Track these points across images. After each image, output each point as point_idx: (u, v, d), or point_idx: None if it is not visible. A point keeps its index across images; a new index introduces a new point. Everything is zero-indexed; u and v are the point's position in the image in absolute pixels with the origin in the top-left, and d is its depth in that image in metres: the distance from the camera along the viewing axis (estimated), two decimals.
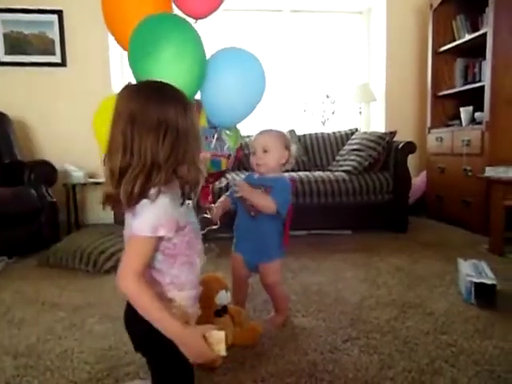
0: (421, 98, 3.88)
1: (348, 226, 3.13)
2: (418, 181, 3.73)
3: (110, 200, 0.88)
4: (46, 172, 2.81)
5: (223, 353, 0.86)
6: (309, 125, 4.01)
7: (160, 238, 0.86)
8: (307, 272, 2.22)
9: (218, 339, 0.86)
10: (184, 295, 0.93)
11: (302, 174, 3.04)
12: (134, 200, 0.84)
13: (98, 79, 3.47)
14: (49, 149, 3.47)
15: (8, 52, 3.45)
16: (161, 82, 0.92)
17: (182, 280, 0.92)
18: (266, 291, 1.63)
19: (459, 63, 3.48)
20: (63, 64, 3.49)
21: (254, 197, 1.44)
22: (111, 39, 3.54)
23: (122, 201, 0.85)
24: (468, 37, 3.18)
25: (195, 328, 0.89)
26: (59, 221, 2.86)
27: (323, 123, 4.09)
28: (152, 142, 0.84)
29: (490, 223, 2.53)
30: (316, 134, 3.62)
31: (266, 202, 1.42)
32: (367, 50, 4.19)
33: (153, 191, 0.84)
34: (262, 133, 1.53)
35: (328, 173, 3.09)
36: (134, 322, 0.94)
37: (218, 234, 2.92)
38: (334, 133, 3.63)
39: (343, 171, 3.09)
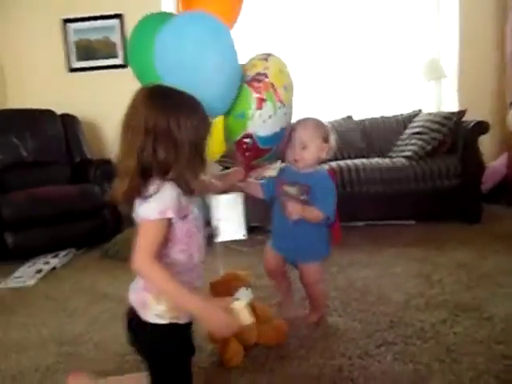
0: (500, 69, 3.41)
1: (411, 216, 2.89)
2: (498, 164, 3.31)
3: (126, 196, 0.90)
4: (110, 169, 3.00)
5: (247, 321, 0.91)
6: (370, 107, 3.76)
7: (169, 221, 0.89)
8: (355, 267, 2.09)
9: (239, 309, 0.91)
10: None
11: (358, 161, 2.87)
12: (126, 197, 0.89)
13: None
14: (116, 147, 3.71)
15: (78, 58, 3.73)
16: (166, 89, 0.94)
17: (177, 267, 0.93)
18: (304, 289, 1.57)
19: None
20: (125, 65, 3.68)
21: (306, 216, 1.37)
22: None
23: (119, 196, 0.90)
24: None
25: (215, 301, 0.96)
26: (122, 215, 3.05)
27: (387, 106, 3.80)
28: (143, 142, 0.86)
29: None
30: (376, 118, 3.39)
31: (315, 215, 1.38)
32: (436, 23, 3.78)
33: (152, 188, 0.87)
34: (300, 125, 1.42)
35: (387, 159, 2.88)
36: (134, 324, 0.95)
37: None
38: (395, 116, 3.36)
39: (403, 157, 2.85)
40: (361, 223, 2.91)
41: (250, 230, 2.87)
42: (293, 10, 3.78)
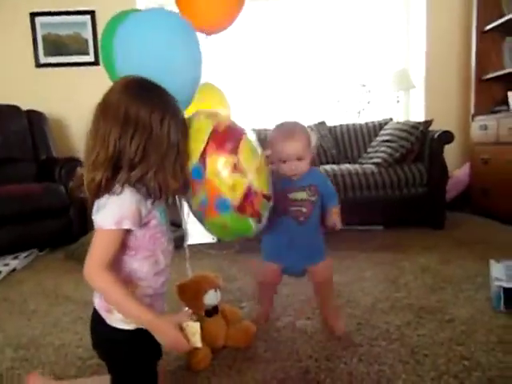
0: (464, 83, 3.56)
1: (379, 222, 2.96)
2: (461, 173, 3.44)
3: (94, 190, 0.85)
4: (75, 168, 2.91)
5: (198, 344, 0.86)
6: (343, 116, 3.84)
7: (127, 231, 0.85)
8: None
9: (193, 331, 0.86)
10: (140, 291, 0.90)
11: (328, 167, 2.91)
12: (95, 188, 0.83)
13: None
14: (83, 146, 3.61)
15: (46, 54, 3.61)
16: (151, 82, 0.90)
17: (141, 274, 0.90)
18: (318, 291, 1.52)
19: (509, 42, 3.15)
20: (96, 63, 3.60)
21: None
22: None
23: (86, 189, 0.85)
24: None
25: (169, 317, 0.88)
26: (89, 215, 2.95)
27: (358, 114, 3.89)
28: (118, 135, 0.82)
29: None
30: (347, 125, 3.45)
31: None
32: (405, 34, 3.91)
33: (117, 185, 0.83)
34: (287, 137, 1.32)
35: (356, 165, 2.93)
36: (98, 328, 0.92)
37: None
38: (366, 123, 3.44)
39: (373, 163, 2.91)
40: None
41: None
42: (268, 17, 3.82)
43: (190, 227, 2.78)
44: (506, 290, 1.54)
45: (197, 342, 0.85)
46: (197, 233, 2.79)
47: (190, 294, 1.33)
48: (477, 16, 3.25)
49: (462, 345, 1.33)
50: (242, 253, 2.41)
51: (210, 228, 1.10)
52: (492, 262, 1.78)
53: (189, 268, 1.59)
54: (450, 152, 3.20)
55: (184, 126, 0.91)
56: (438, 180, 2.84)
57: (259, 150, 1.05)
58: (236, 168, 0.96)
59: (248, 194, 0.99)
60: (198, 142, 0.96)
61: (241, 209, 0.99)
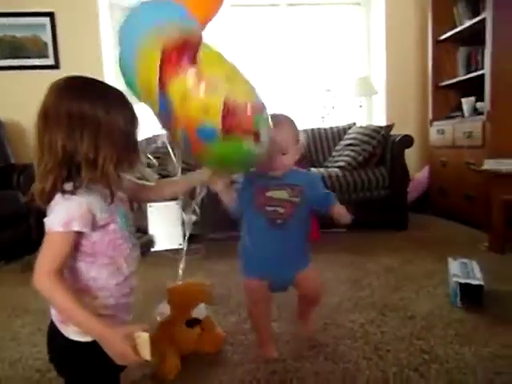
0: (422, 90, 3.72)
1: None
2: (421, 176, 3.59)
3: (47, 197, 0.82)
4: (34, 175, 2.80)
5: (148, 357, 0.81)
6: (308, 120, 3.91)
7: (79, 235, 0.81)
8: None
9: (144, 342, 0.81)
10: (100, 301, 0.87)
11: None
12: (46, 197, 0.81)
13: None
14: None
15: (2, 56, 3.47)
16: (84, 77, 0.87)
17: (100, 283, 0.86)
18: (305, 302, 1.41)
19: (461, 52, 3.32)
20: (56, 66, 3.50)
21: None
22: (104, 39, 3.54)
23: (38, 200, 0.82)
24: (468, 23, 3.02)
25: (118, 328, 0.82)
26: None
27: (323, 118, 3.97)
28: (65, 139, 0.80)
29: (490, 219, 2.39)
30: (312, 129, 3.52)
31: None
32: (367, 42, 4.05)
33: (67, 186, 0.80)
34: (274, 127, 1.14)
35: (322, 169, 2.99)
36: (54, 340, 0.89)
37: (210, 235, 2.90)
38: (330, 128, 3.52)
39: (337, 167, 2.98)
40: None
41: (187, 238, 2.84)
42: (234, 24, 3.84)
43: (155, 233, 2.76)
44: (462, 285, 1.61)
45: (146, 354, 0.80)
46: (162, 238, 2.76)
47: (180, 302, 1.30)
48: (432, 27, 3.41)
49: (422, 339, 1.38)
50: (208, 258, 2.40)
51: (208, 164, 0.99)
52: (450, 259, 1.86)
53: (180, 270, 1.51)
54: (411, 155, 3.33)
55: (132, 114, 0.88)
56: (400, 182, 2.94)
57: (226, 56, 0.87)
58: (201, 82, 0.80)
59: (228, 111, 0.82)
60: (151, 73, 0.82)
61: (227, 130, 0.84)
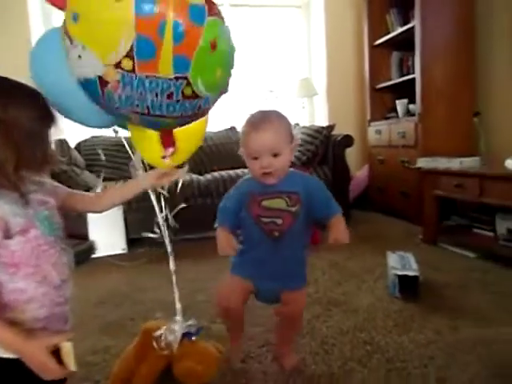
0: (361, 92, 3.89)
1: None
2: (361, 174, 3.75)
3: None
4: None
5: (72, 368, 0.78)
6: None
7: None
8: None
9: (67, 352, 0.78)
10: (30, 314, 0.81)
11: (240, 171, 2.96)
12: None
13: None
14: None
15: None
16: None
17: (28, 295, 0.80)
18: (284, 325, 1.27)
19: (395, 56, 3.51)
20: None
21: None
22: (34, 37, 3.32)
23: None
24: (400, 30, 3.20)
25: (38, 340, 0.77)
26: None
27: None
28: None
29: (423, 214, 2.56)
30: None
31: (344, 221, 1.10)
32: (307, 44, 4.17)
33: None
34: (260, 125, 1.06)
35: None
36: None
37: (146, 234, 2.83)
38: None
39: None
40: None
41: (130, 242, 2.75)
42: None
43: (96, 238, 2.64)
44: (400, 277, 1.71)
45: (70, 364, 0.77)
46: (104, 244, 2.65)
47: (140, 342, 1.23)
48: (367, 32, 3.58)
49: (365, 331, 1.45)
50: (153, 263, 2.34)
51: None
52: (388, 253, 1.97)
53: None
54: (351, 154, 3.48)
55: (42, 112, 0.83)
56: (342, 181, 3.06)
57: None
58: None
59: None
60: None
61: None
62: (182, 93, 0.86)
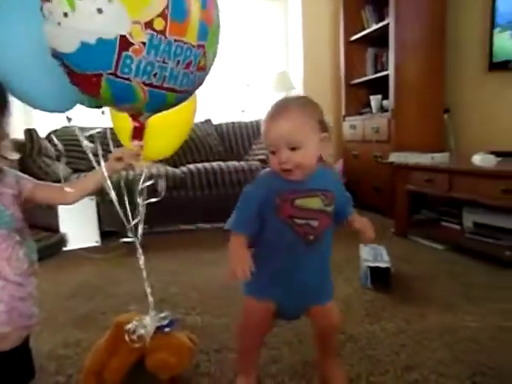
0: (336, 87, 3.93)
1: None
2: (338, 168, 3.80)
3: None
4: None
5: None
6: (227, 114, 3.92)
7: None
8: (214, 265, 2.13)
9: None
10: None
11: (215, 164, 2.95)
12: None
13: None
14: None
15: None
16: None
17: None
18: (323, 340, 1.09)
19: (370, 52, 3.56)
20: None
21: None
22: None
23: None
24: (375, 26, 3.25)
25: None
26: None
27: (243, 112, 4.02)
28: None
29: (395, 207, 2.62)
30: (233, 122, 3.54)
31: None
32: (285, 38, 4.17)
33: None
34: (278, 112, 0.92)
35: (243, 162, 3.03)
36: None
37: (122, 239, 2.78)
38: (250, 122, 3.57)
39: (257, 160, 3.04)
40: (219, 224, 3.00)
41: (104, 235, 2.70)
42: None
43: (68, 231, 2.57)
44: (372, 269, 1.75)
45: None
46: (76, 237, 2.59)
47: (113, 335, 1.20)
48: (343, 28, 3.62)
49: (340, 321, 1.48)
50: (127, 256, 2.30)
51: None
52: (361, 245, 2.01)
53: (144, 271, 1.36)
54: None
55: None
56: None
57: None
58: None
59: None
60: None
61: None
62: (198, 63, 0.82)
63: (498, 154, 2.16)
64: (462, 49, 2.96)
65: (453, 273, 1.92)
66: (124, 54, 0.72)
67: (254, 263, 0.90)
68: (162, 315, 1.17)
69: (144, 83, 0.78)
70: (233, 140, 3.47)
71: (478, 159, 2.12)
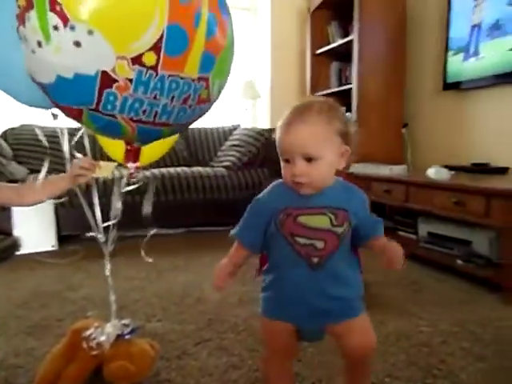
0: (302, 97, 4.02)
1: (228, 223, 3.09)
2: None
3: None
4: None
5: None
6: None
7: None
8: (175, 272, 2.12)
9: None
10: None
11: (180, 169, 2.92)
12: None
13: None
14: None
15: None
16: None
17: None
18: (352, 368, 0.94)
19: (334, 66, 3.68)
20: None
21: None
22: None
23: None
24: (340, 42, 3.37)
25: None
26: None
27: (209, 118, 4.01)
28: None
29: None
30: (199, 128, 3.54)
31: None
32: (254, 47, 4.22)
33: None
34: (293, 119, 0.83)
35: (208, 168, 3.03)
36: None
37: (88, 234, 2.69)
38: (217, 128, 3.58)
39: (223, 167, 3.05)
40: (182, 230, 2.98)
41: (62, 239, 2.60)
42: None
43: (23, 234, 2.46)
44: None
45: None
46: (31, 240, 2.48)
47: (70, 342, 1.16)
48: (310, 41, 3.71)
49: None
50: (86, 260, 2.24)
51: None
52: None
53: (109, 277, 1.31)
54: None
55: None
56: None
57: None
58: None
59: None
60: None
61: None
62: (199, 96, 0.75)
63: (451, 167, 2.30)
64: (420, 68, 3.12)
65: (408, 280, 2.01)
66: (106, 91, 0.66)
67: (264, 280, 0.91)
68: (124, 322, 1.15)
69: (132, 119, 0.72)
70: (198, 146, 3.46)
71: (433, 172, 2.23)
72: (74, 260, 2.23)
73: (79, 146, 1.14)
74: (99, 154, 1.37)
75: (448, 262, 2.11)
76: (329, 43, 3.58)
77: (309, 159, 0.79)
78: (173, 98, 0.71)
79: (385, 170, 2.53)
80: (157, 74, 0.66)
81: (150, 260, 1.24)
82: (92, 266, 2.15)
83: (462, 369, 1.22)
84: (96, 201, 1.17)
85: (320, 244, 0.83)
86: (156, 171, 2.89)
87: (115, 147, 1.02)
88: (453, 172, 2.26)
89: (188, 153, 3.40)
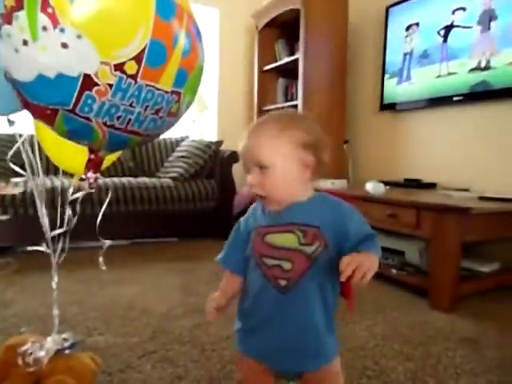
0: (249, 111, 4.11)
1: (174, 234, 3.09)
2: (246, 190, 3.94)
3: None
4: None
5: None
6: None
7: None
8: (119, 284, 2.06)
9: None
10: None
11: (125, 179, 2.87)
12: None
13: None
14: None
15: None
16: None
17: None
18: None
19: (281, 82, 3.82)
20: None
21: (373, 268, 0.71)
22: None
23: None
24: (286, 59, 3.51)
25: None
26: None
27: None
28: None
29: None
30: None
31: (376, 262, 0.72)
32: None
33: None
34: (253, 127, 0.81)
35: (154, 179, 2.99)
36: None
37: (22, 248, 2.54)
38: (164, 139, 3.56)
39: (169, 178, 3.03)
40: (126, 241, 2.90)
41: None
42: None
43: None
44: None
45: None
46: None
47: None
48: (258, 57, 3.83)
49: None
50: (21, 272, 2.12)
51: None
52: None
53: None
54: (238, 170, 3.63)
55: None
56: (227, 195, 3.18)
57: None
58: None
59: None
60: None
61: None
62: (170, 109, 0.82)
63: (386, 183, 2.47)
64: (359, 89, 3.33)
65: None
66: (86, 93, 0.70)
67: (238, 308, 0.86)
68: (64, 336, 1.11)
69: (105, 124, 0.76)
70: (145, 156, 3.41)
71: (370, 187, 2.39)
72: (6, 273, 2.10)
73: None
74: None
75: (384, 271, 2.25)
76: (276, 60, 3.72)
77: (261, 167, 0.76)
78: (147, 107, 0.77)
79: (327, 184, 2.66)
80: (136, 83, 0.72)
81: (104, 268, 1.22)
82: (22, 279, 2.03)
83: (392, 369, 1.32)
84: (44, 210, 1.13)
85: (287, 265, 0.76)
86: (100, 181, 2.81)
87: (67, 157, 1.02)
88: (388, 187, 2.43)
89: (134, 163, 3.33)
